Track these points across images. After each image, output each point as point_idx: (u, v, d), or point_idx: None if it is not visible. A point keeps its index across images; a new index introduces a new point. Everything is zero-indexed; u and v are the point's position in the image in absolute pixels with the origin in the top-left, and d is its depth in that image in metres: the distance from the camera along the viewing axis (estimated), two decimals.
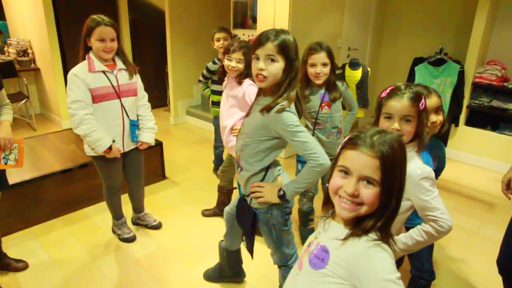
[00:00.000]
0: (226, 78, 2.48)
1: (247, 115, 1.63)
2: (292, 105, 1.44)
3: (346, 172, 0.89)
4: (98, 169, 2.38)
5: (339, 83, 2.33)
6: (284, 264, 1.75)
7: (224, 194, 2.86)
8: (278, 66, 1.40)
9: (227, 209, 1.93)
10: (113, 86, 2.21)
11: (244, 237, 1.77)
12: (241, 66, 2.28)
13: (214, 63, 3.23)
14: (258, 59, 1.42)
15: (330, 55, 2.20)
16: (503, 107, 3.85)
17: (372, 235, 0.88)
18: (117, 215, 2.57)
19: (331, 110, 2.30)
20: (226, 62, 2.32)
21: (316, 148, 1.42)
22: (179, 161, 3.92)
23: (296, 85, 1.47)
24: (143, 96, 2.43)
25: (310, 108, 2.32)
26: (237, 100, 2.36)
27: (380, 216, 0.88)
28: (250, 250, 1.74)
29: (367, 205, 0.87)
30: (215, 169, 3.59)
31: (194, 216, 2.93)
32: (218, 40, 3.11)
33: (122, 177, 2.47)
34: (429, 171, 1.29)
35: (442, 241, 2.57)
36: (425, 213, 1.28)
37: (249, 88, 2.27)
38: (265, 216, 1.60)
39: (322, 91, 2.27)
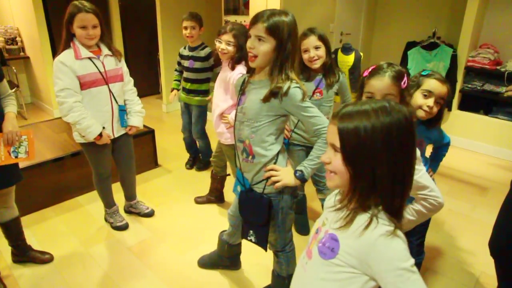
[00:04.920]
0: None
1: (239, 100, 1.61)
2: (294, 81, 1.45)
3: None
4: (88, 156, 2.36)
5: (339, 72, 2.28)
6: (282, 249, 1.76)
7: (218, 180, 2.85)
8: (267, 46, 1.41)
9: (229, 212, 1.91)
10: (100, 72, 2.18)
11: (251, 231, 1.70)
12: (230, 48, 2.23)
13: (184, 48, 3.18)
14: (250, 37, 1.44)
15: (321, 38, 2.14)
16: (495, 90, 3.84)
17: (382, 220, 0.84)
18: (109, 203, 2.56)
19: (322, 98, 2.24)
20: (217, 45, 2.28)
21: (326, 122, 1.44)
22: (171, 149, 3.90)
23: (292, 66, 1.46)
24: (129, 81, 2.41)
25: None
26: (227, 86, 2.34)
27: (360, 189, 0.85)
28: (264, 243, 1.67)
29: (335, 172, 0.88)
30: (190, 160, 3.59)
31: (187, 203, 2.93)
32: (186, 28, 2.98)
33: (112, 163, 2.45)
34: None
35: (434, 225, 2.59)
36: (414, 192, 1.26)
37: (238, 77, 2.23)
38: (276, 200, 1.59)
39: (319, 77, 2.20)
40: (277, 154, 1.55)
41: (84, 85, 2.14)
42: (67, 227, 2.59)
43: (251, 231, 1.70)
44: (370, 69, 1.40)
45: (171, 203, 2.94)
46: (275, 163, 1.56)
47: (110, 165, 2.43)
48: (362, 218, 0.85)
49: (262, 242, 1.67)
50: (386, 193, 0.84)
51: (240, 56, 2.24)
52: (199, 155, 3.55)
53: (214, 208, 2.87)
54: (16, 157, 1.95)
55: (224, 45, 2.24)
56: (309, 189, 2.61)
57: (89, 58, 2.14)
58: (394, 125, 0.82)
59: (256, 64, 1.46)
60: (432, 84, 1.57)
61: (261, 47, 1.41)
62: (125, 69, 2.36)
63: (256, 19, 1.41)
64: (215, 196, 2.92)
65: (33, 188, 2.70)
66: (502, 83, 3.84)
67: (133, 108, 2.40)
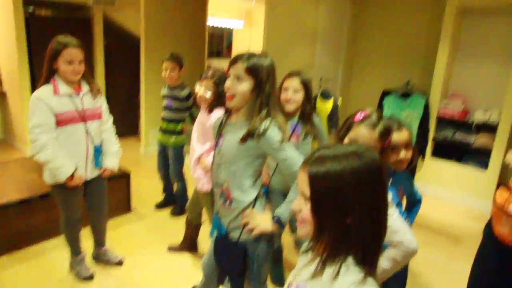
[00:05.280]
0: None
1: (217, 142, 1.59)
2: (274, 120, 1.45)
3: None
4: (57, 199, 2.25)
5: (315, 116, 2.26)
6: None
7: (192, 228, 2.76)
8: (246, 86, 1.43)
9: (204, 261, 1.82)
10: (77, 111, 2.13)
11: (228, 280, 1.65)
12: (208, 95, 2.23)
13: (164, 87, 3.22)
14: (229, 77, 1.45)
15: (304, 83, 2.13)
16: (466, 140, 3.98)
17: (353, 267, 0.81)
18: (76, 250, 2.42)
19: (299, 143, 2.23)
20: (196, 89, 2.29)
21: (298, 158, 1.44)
22: (146, 193, 3.79)
23: (271, 106, 1.47)
24: (107, 119, 2.37)
25: None
26: (205, 130, 2.32)
27: (330, 239, 0.82)
28: None
29: (305, 221, 0.85)
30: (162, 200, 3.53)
31: (160, 252, 2.81)
32: (166, 69, 3.02)
33: (82, 207, 2.34)
34: None
35: (412, 277, 2.56)
36: (388, 238, 1.19)
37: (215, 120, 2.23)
38: (252, 248, 1.54)
39: (294, 121, 2.17)
40: (255, 200, 1.52)
41: (60, 122, 2.07)
42: (26, 279, 2.42)
43: (226, 278, 1.65)
44: (361, 117, 1.41)
45: (143, 251, 2.81)
46: (252, 208, 1.52)
47: (80, 209, 2.32)
48: (332, 268, 0.82)
49: None
50: (358, 241, 0.80)
51: (218, 102, 2.24)
52: (173, 198, 3.47)
53: (187, 258, 2.76)
54: None
55: (203, 90, 2.24)
56: (286, 239, 2.56)
57: (68, 95, 2.09)
58: (364, 169, 0.79)
59: (234, 103, 1.46)
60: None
61: (239, 87, 1.43)
62: (104, 107, 2.32)
63: (235, 59, 1.44)
64: (189, 245, 2.82)
65: None
66: (471, 132, 4.00)
67: (109, 149, 2.34)
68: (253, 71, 1.41)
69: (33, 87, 4.57)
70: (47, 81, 2.08)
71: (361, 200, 0.79)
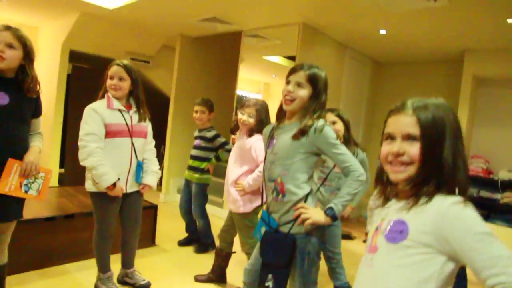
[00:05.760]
0: (237, 132, 2.55)
1: (269, 144, 1.67)
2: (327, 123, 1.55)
3: (391, 137, 0.94)
4: (94, 208, 2.24)
5: (357, 149, 2.41)
6: None
7: (222, 257, 2.66)
8: (305, 92, 1.55)
9: (246, 267, 1.77)
10: (127, 125, 2.24)
11: (270, 276, 1.56)
12: (251, 120, 2.35)
13: (197, 131, 3.36)
14: (288, 83, 1.57)
15: (339, 116, 2.36)
16: (492, 197, 3.96)
17: (448, 195, 0.86)
18: (104, 266, 2.32)
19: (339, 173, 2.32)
20: (239, 116, 2.42)
21: (355, 160, 1.54)
22: (169, 232, 3.70)
23: (324, 112, 1.58)
24: (151, 141, 2.47)
25: (323, 165, 2.36)
26: (243, 153, 2.41)
27: (435, 175, 0.88)
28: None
29: (412, 161, 0.89)
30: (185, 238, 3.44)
31: (186, 281, 2.67)
32: (196, 112, 3.22)
33: (116, 224, 2.31)
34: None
35: None
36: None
37: (257, 143, 2.33)
38: (303, 242, 1.52)
39: None
40: (307, 195, 1.55)
41: (109, 133, 2.17)
42: None
43: (269, 276, 1.56)
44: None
45: (168, 280, 2.67)
46: (304, 202, 1.55)
47: (114, 224, 2.29)
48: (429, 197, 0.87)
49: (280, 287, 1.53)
50: (454, 175, 0.88)
51: (259, 127, 2.35)
52: (197, 236, 3.39)
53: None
54: (26, 192, 1.84)
55: (246, 116, 2.37)
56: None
57: (120, 110, 2.23)
58: (454, 114, 0.93)
59: (292, 107, 1.56)
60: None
61: (300, 92, 1.55)
62: (149, 129, 2.44)
63: (296, 68, 1.58)
64: (218, 275, 2.68)
65: (17, 246, 2.45)
66: (496, 190, 3.99)
67: (150, 167, 2.40)
68: (313, 80, 1.55)
69: (64, 132, 4.78)
70: (102, 96, 2.25)
71: (456, 138, 0.91)
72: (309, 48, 4.07)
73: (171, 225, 3.93)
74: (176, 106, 5.08)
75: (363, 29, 3.88)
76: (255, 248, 1.77)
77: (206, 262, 2.98)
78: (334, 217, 1.49)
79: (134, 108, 2.31)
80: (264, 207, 1.65)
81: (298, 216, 1.50)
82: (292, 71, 1.58)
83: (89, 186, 2.19)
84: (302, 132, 1.52)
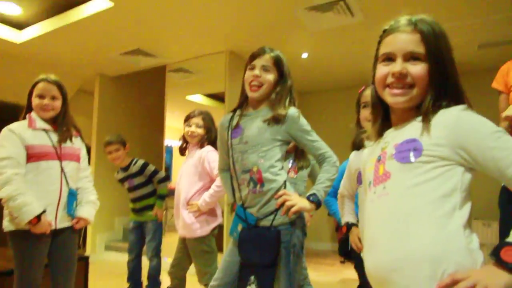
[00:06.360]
0: (187, 151, 2.36)
1: (233, 134, 1.52)
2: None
3: (390, 58, 0.87)
4: (14, 253, 1.76)
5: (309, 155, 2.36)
6: None
7: None
8: (272, 76, 1.48)
9: (213, 283, 1.50)
10: (54, 146, 1.88)
11: (252, 278, 1.36)
12: (200, 131, 2.24)
13: (117, 173, 3.01)
14: (253, 69, 1.48)
15: None
16: None
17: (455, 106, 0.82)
18: None
19: (296, 177, 2.24)
20: (185, 129, 2.27)
21: (328, 147, 1.49)
22: None
23: (294, 98, 1.52)
24: (86, 167, 2.11)
25: None
26: (195, 168, 2.22)
27: (440, 94, 0.83)
28: None
29: (417, 83, 0.83)
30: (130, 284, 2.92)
31: None
32: (110, 152, 2.86)
33: (43, 270, 1.84)
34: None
35: None
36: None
37: (210, 154, 2.18)
38: (287, 235, 1.38)
39: (291, 157, 2.24)
40: (285, 182, 1.44)
41: (32, 156, 1.80)
42: None
43: (251, 278, 1.36)
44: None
45: None
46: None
47: (42, 270, 1.82)
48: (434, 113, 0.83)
49: None
50: (456, 89, 0.84)
51: (209, 137, 2.24)
52: (140, 284, 2.91)
53: None
54: None
55: (194, 127, 2.23)
56: None
57: (44, 130, 1.88)
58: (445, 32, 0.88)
59: (260, 93, 1.47)
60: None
61: (267, 76, 1.47)
62: (83, 153, 2.09)
63: (260, 52, 1.50)
64: None
65: None
66: None
67: (86, 197, 2.02)
68: (278, 63, 1.49)
69: None
70: (24, 117, 1.91)
71: (451, 53, 0.86)
72: (237, 77, 4.07)
73: (104, 283, 3.35)
74: (98, 155, 4.59)
75: (288, 54, 4.03)
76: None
77: None
78: (318, 203, 1.40)
79: (62, 128, 1.96)
80: (238, 200, 1.48)
81: (281, 205, 1.36)
82: (255, 55, 1.50)
83: (6, 224, 1.75)
84: (276, 120, 1.43)
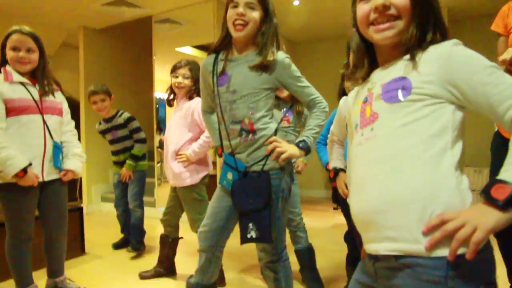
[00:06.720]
0: (175, 101, 2.32)
1: (219, 81, 1.45)
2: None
3: None
4: (3, 205, 1.80)
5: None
6: (279, 256, 1.45)
7: (169, 245, 2.36)
8: (258, 14, 1.39)
9: (201, 229, 1.51)
10: (34, 100, 1.85)
11: (251, 225, 1.39)
12: (187, 82, 2.20)
13: (99, 124, 2.96)
14: (236, 6, 1.37)
15: None
16: None
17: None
18: (24, 279, 1.87)
19: (289, 126, 2.21)
20: (172, 80, 2.22)
21: (317, 92, 1.47)
22: (99, 239, 3.23)
23: (280, 41, 1.44)
24: (69, 121, 2.09)
25: None
26: (184, 120, 2.21)
27: (427, 25, 0.79)
28: (267, 234, 1.37)
29: (403, 13, 0.79)
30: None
31: (130, 283, 2.31)
32: (95, 102, 2.80)
33: (34, 222, 1.89)
34: None
35: None
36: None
37: (199, 106, 2.12)
38: (277, 179, 1.39)
39: (287, 106, 2.20)
40: (276, 130, 1.43)
41: (12, 110, 1.77)
42: None
43: (250, 225, 1.38)
44: None
45: (109, 284, 2.29)
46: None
47: (32, 223, 1.87)
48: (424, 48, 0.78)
49: (265, 233, 1.36)
50: (439, 24, 0.80)
51: (197, 88, 2.17)
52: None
53: (166, 284, 2.30)
54: None
55: (181, 78, 2.19)
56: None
57: (22, 84, 1.84)
58: None
59: (245, 32, 1.37)
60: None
61: (253, 14, 1.37)
62: (65, 107, 2.07)
63: None
64: (166, 267, 2.37)
65: None
66: None
67: (71, 150, 2.02)
68: (263, 0, 1.39)
69: None
70: None
71: None
72: None
73: (100, 232, 3.47)
74: (87, 109, 4.51)
75: (278, 1, 3.87)
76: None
77: (149, 258, 2.68)
78: (307, 149, 1.42)
79: (42, 82, 1.91)
80: (226, 149, 1.47)
81: (271, 152, 1.37)
82: None
83: None
84: (265, 68, 1.38)
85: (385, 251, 0.74)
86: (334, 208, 4.18)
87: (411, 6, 0.78)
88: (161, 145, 4.33)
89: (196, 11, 4.03)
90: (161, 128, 4.75)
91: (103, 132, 2.92)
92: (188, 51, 4.75)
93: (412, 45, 0.79)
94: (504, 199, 0.63)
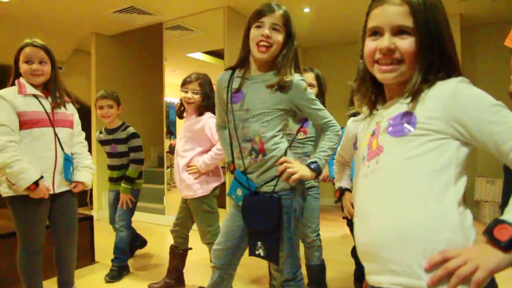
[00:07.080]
0: (185, 114, 2.32)
1: (233, 98, 1.46)
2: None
3: (377, 32, 0.82)
4: (15, 217, 1.82)
5: None
6: (293, 276, 1.43)
7: (179, 256, 2.36)
8: (281, 37, 1.39)
9: (215, 247, 1.52)
10: (46, 112, 1.87)
11: (259, 243, 1.39)
12: (197, 97, 2.18)
13: (100, 132, 2.75)
14: (261, 27, 1.36)
15: (317, 78, 2.16)
16: None
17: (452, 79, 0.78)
18: None
19: (306, 137, 2.17)
20: (182, 95, 2.21)
21: (330, 115, 1.47)
22: (108, 247, 3.22)
23: (299, 63, 1.45)
24: (79, 133, 2.11)
25: (287, 130, 2.21)
26: (195, 134, 2.21)
27: (431, 69, 0.79)
28: (275, 255, 1.37)
29: (406, 58, 0.79)
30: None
31: None
32: (101, 107, 2.60)
33: (45, 233, 1.90)
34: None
35: None
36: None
37: (210, 120, 2.14)
38: (288, 200, 1.38)
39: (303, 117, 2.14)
40: (286, 149, 1.42)
41: (25, 123, 1.79)
42: None
43: (259, 243, 1.38)
44: None
45: None
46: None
47: (43, 234, 1.89)
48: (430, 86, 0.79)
49: (272, 254, 1.37)
50: (451, 64, 0.80)
51: (207, 103, 2.17)
52: (142, 240, 3.04)
53: None
54: None
55: (191, 94, 2.18)
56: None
57: (35, 96, 1.86)
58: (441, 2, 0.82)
59: (268, 54, 1.38)
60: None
61: (278, 37, 1.37)
62: (76, 119, 2.09)
63: (269, 9, 1.36)
64: (175, 277, 2.38)
65: None
66: None
67: (81, 162, 2.04)
68: (288, 22, 1.39)
69: None
70: (12, 84, 1.87)
71: (446, 25, 0.80)
72: (236, 34, 3.95)
73: (110, 240, 3.45)
74: (99, 119, 4.57)
75: (289, 9, 3.86)
76: (218, 233, 1.59)
77: (158, 269, 2.68)
78: (318, 171, 1.40)
79: (54, 94, 1.94)
80: (239, 167, 1.46)
81: (282, 172, 1.36)
82: (264, 12, 1.36)
83: (4, 190, 1.78)
84: (281, 88, 1.37)
85: (388, 284, 0.74)
86: (343, 217, 4.15)
87: (417, 51, 0.78)
88: (171, 150, 4.32)
89: (206, 18, 4.04)
90: (172, 132, 4.76)
91: (103, 143, 2.72)
92: (199, 56, 4.77)
93: (414, 89, 0.78)
94: (506, 240, 0.63)
